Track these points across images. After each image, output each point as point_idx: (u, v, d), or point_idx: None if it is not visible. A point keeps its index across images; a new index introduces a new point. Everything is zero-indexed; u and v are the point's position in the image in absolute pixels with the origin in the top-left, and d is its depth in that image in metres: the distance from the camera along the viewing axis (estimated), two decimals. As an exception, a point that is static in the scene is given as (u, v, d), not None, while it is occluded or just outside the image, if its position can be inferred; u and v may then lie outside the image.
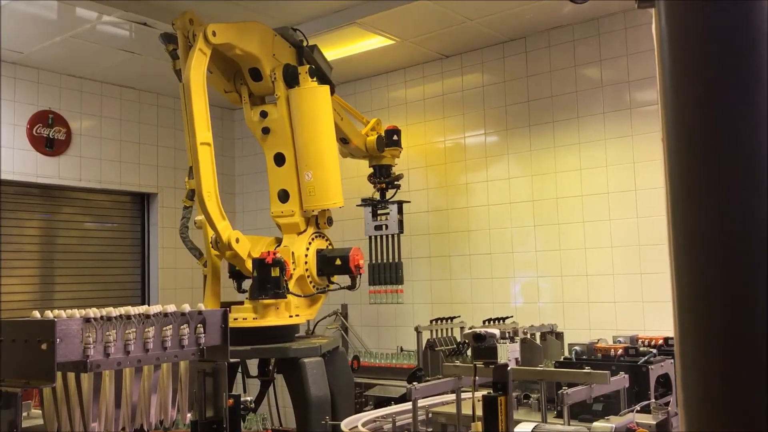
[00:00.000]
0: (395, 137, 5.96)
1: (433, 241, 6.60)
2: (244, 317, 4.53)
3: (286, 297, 4.54)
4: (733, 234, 1.15)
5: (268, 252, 4.51)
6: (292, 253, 4.75)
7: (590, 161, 5.69)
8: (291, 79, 4.84)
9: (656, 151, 5.27)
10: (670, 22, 1.16)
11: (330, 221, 5.07)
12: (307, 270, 4.80)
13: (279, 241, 4.94)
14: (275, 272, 4.47)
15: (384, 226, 5.95)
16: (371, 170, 5.97)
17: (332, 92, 5.31)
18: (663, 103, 1.26)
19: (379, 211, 5.99)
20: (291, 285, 4.65)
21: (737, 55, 1.17)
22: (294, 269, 4.72)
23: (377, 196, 5.99)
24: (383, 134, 5.87)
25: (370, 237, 5.98)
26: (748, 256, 1.15)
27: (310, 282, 4.82)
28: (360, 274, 4.86)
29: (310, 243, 4.89)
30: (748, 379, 1.16)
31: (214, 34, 4.44)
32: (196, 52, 4.37)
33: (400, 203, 5.93)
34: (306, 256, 4.81)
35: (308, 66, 4.89)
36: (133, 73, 6.71)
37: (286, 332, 4.69)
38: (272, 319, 4.56)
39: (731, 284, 1.17)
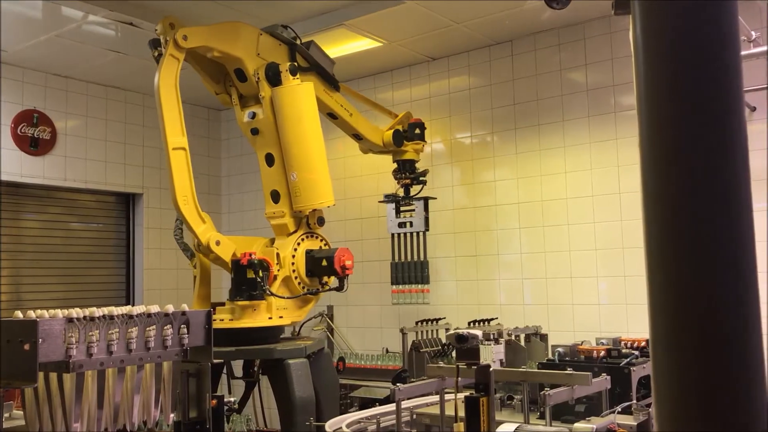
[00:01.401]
0: (417, 131, 5.79)
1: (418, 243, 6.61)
2: (221, 318, 4.53)
3: (263, 298, 4.51)
4: (704, 235, 1.18)
5: (245, 254, 4.51)
6: (277, 254, 4.73)
7: (575, 164, 5.74)
8: (273, 78, 4.76)
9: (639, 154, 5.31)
10: (645, 28, 1.18)
11: (321, 221, 4.98)
12: (294, 271, 4.75)
13: (273, 242, 4.93)
14: (250, 274, 4.46)
15: (408, 224, 5.79)
16: (394, 166, 5.87)
17: (336, 88, 5.26)
18: (639, 107, 1.28)
19: (402, 208, 5.83)
20: (275, 286, 4.64)
21: (711, 60, 1.20)
22: (278, 270, 4.71)
23: (401, 192, 5.84)
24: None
25: (392, 234, 5.83)
26: (719, 259, 1.17)
27: (299, 283, 4.78)
28: (347, 276, 4.79)
29: (298, 244, 4.84)
30: (719, 380, 1.19)
31: (185, 38, 4.43)
32: (166, 57, 4.42)
33: (426, 200, 5.76)
34: (293, 257, 4.77)
35: (289, 63, 4.79)
36: (119, 73, 6.68)
37: (270, 333, 4.68)
38: (248, 321, 4.51)
39: (702, 286, 1.19)
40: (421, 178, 5.80)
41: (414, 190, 5.84)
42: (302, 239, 4.87)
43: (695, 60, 1.19)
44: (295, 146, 4.76)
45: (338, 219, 6.82)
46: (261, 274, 4.46)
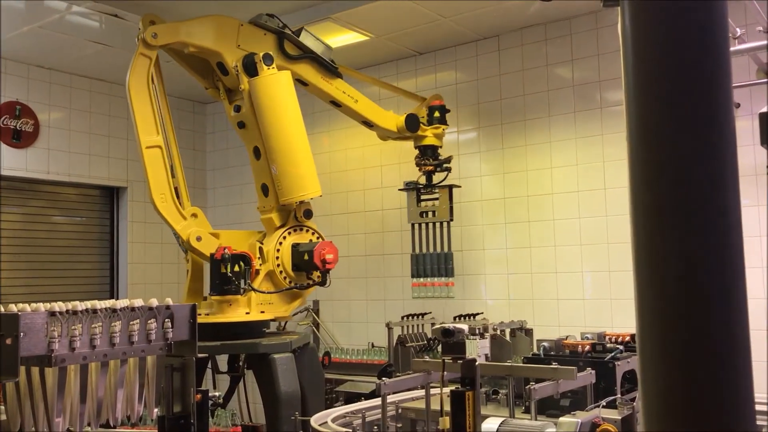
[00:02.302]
0: (437, 114, 5.47)
1: (405, 237, 6.61)
2: (199, 313, 4.51)
3: (239, 293, 4.43)
4: (693, 230, 1.18)
5: (220, 248, 4.47)
6: (260, 248, 4.68)
7: (561, 160, 5.75)
8: (250, 69, 4.63)
9: (626, 150, 5.34)
10: (634, 21, 1.18)
11: (308, 214, 4.83)
12: (279, 266, 4.68)
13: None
14: (224, 268, 4.41)
15: (431, 213, 5.47)
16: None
17: (336, 74, 5.12)
18: (627, 101, 1.28)
19: (424, 197, 5.55)
20: (258, 281, 4.59)
21: (700, 54, 1.20)
22: (261, 265, 4.64)
23: (423, 180, 5.53)
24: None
25: (412, 225, 5.55)
26: (707, 253, 1.17)
27: (285, 278, 4.70)
28: (328, 270, 4.69)
29: (284, 238, 4.74)
30: (705, 378, 1.19)
31: (155, 36, 4.39)
32: (136, 56, 4.42)
33: (450, 188, 5.45)
34: (278, 251, 4.69)
35: (263, 53, 4.65)
36: (103, 65, 6.61)
37: (254, 328, 4.63)
38: (224, 316, 4.45)
39: (690, 280, 1.19)
40: (445, 165, 5.48)
41: (437, 178, 5.55)
42: (289, 233, 4.77)
43: (684, 53, 1.18)
44: (273, 138, 4.64)
45: (324, 214, 6.80)
46: (237, 269, 4.39)
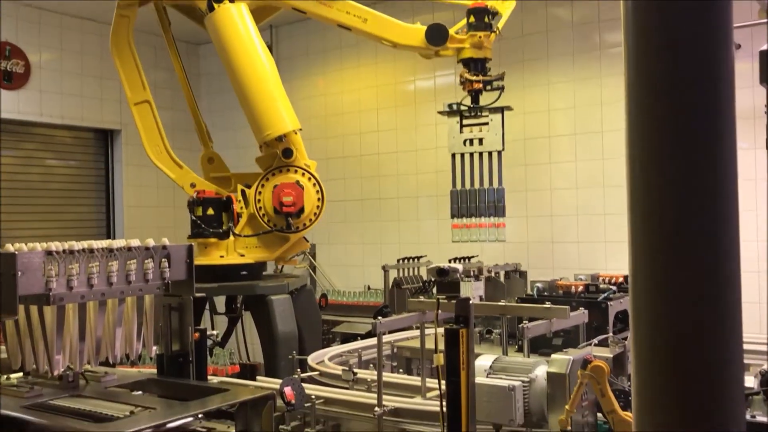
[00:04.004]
0: (472, 19, 4.40)
1: (401, 182, 6.61)
2: None
3: (206, 236, 4.42)
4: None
5: (200, 192, 4.50)
6: (242, 191, 4.57)
7: (558, 102, 5.71)
8: (210, 5, 4.34)
9: (624, 92, 5.29)
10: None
11: (287, 153, 4.46)
12: (261, 209, 4.49)
13: None
14: (198, 211, 4.43)
15: (478, 141, 4.51)
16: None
17: None
18: (626, 44, 1.26)
19: (467, 122, 4.53)
20: (241, 225, 4.53)
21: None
22: (242, 209, 4.53)
23: (468, 101, 4.53)
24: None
25: (453, 155, 4.59)
26: (699, 195, 1.18)
27: (268, 221, 4.51)
28: (288, 213, 4.39)
29: (267, 179, 4.49)
30: (694, 315, 1.21)
31: None
32: (115, 17, 4.50)
33: (502, 110, 4.46)
34: (259, 193, 4.49)
35: None
36: (93, 5, 6.47)
37: (251, 271, 4.61)
38: (198, 259, 4.47)
39: (682, 225, 1.20)
40: (495, 83, 4.44)
41: (486, 99, 4.51)
42: (273, 174, 4.51)
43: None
44: (231, 76, 4.42)
45: (319, 158, 6.78)
46: (210, 212, 4.40)
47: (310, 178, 4.56)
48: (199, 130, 5.03)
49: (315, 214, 4.56)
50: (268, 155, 4.57)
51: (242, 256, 4.56)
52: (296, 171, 4.55)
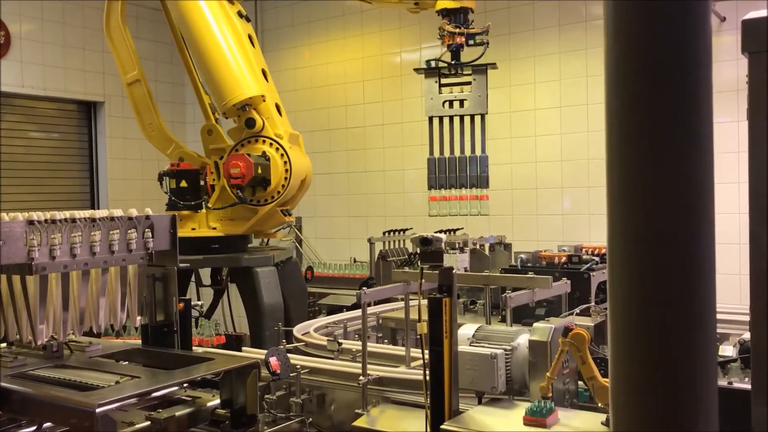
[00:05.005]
0: None
1: (387, 154, 6.60)
2: None
3: (176, 209, 4.50)
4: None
5: (172, 165, 4.61)
6: (215, 163, 4.56)
7: (544, 75, 5.70)
8: None
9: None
10: None
11: (249, 123, 4.29)
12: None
13: None
14: (172, 184, 4.52)
15: (459, 102, 4.02)
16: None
17: None
18: (607, 19, 1.27)
19: (446, 81, 4.07)
20: (214, 197, 4.55)
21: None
22: (214, 181, 4.55)
23: (447, 57, 4.02)
24: None
25: (430, 118, 4.09)
26: (677, 173, 1.20)
27: (238, 194, 4.37)
28: (237, 185, 4.21)
29: (236, 150, 4.41)
30: (670, 284, 1.23)
31: None
32: (106, 4, 4.63)
33: (485, 68, 3.96)
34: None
35: None
36: (74, -26, 6.37)
37: (235, 243, 4.65)
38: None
39: (659, 198, 1.22)
40: (477, 37, 3.95)
41: (467, 57, 4.03)
42: (241, 145, 4.42)
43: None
44: (188, 44, 4.56)
45: (305, 130, 6.75)
46: (184, 185, 4.51)
47: (278, 149, 4.40)
48: (201, 103, 4.99)
49: (283, 186, 4.38)
50: (239, 127, 4.55)
51: (213, 229, 4.58)
52: (264, 141, 4.39)
